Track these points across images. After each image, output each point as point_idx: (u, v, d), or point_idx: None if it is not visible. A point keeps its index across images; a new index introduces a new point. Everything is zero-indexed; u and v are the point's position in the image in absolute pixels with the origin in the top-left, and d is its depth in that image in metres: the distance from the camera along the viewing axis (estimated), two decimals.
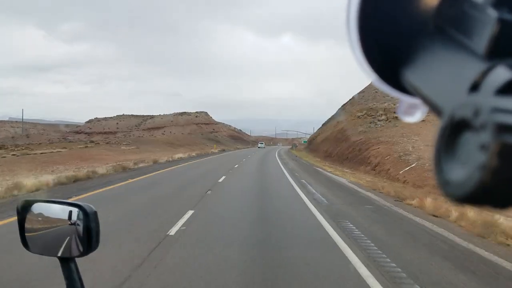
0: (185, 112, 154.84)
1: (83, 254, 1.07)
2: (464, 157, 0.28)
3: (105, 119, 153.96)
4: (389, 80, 0.38)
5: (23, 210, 1.10)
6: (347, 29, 0.37)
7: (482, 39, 0.31)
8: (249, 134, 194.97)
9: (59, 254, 1.08)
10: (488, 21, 0.31)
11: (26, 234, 1.10)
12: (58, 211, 1.11)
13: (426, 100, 0.35)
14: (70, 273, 1.09)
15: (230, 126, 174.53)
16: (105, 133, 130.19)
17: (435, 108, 0.34)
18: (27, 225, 1.10)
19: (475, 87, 0.30)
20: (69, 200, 1.16)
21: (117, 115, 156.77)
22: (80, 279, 1.10)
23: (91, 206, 1.09)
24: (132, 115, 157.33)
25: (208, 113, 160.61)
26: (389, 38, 0.37)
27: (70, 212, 1.08)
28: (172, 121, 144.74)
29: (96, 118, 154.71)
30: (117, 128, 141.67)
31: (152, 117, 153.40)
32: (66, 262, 1.09)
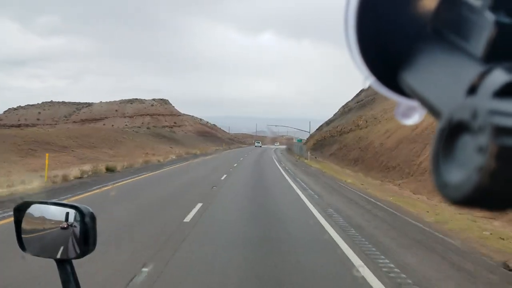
0: (136, 99, 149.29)
1: (79, 255, 1.39)
2: (462, 159, 0.35)
3: (26, 107, 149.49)
4: (387, 82, 0.47)
5: (20, 211, 1.41)
6: (345, 30, 0.45)
7: (480, 42, 0.38)
8: (227, 131, 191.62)
9: (55, 256, 1.40)
10: (485, 25, 0.38)
11: (22, 235, 1.40)
12: (55, 212, 1.43)
13: (424, 103, 0.42)
14: (66, 274, 1.41)
15: (200, 119, 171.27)
16: (18, 126, 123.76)
17: (433, 111, 0.41)
18: (23, 227, 1.41)
19: (472, 90, 0.37)
20: (66, 202, 1.49)
21: (42, 102, 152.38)
22: (76, 280, 1.43)
23: (88, 207, 1.42)
24: (62, 102, 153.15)
25: (170, 101, 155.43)
26: (387, 40, 0.45)
27: (67, 213, 1.40)
28: (116, 111, 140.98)
29: (20, 106, 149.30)
30: (38, 119, 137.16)
31: (89, 104, 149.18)
32: (63, 264, 1.40)
